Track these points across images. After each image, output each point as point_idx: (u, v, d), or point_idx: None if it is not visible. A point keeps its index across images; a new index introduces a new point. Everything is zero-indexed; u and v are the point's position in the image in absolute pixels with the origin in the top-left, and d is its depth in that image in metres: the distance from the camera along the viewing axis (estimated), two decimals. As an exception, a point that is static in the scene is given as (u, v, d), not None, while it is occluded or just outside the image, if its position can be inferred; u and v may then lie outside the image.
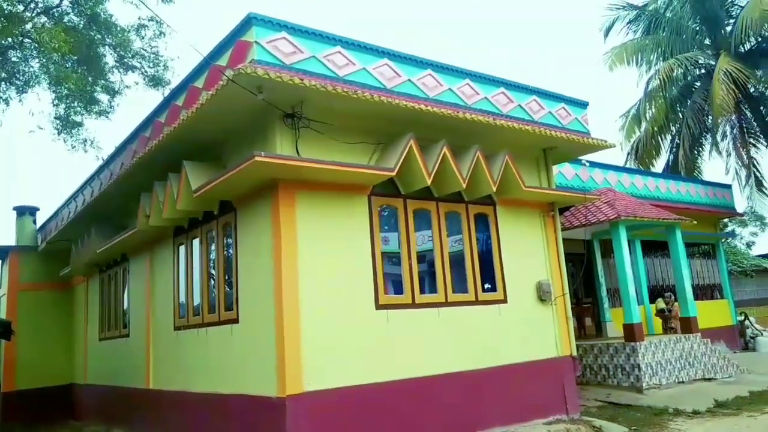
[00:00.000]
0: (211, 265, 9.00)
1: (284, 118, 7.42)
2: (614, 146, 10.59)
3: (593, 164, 15.00)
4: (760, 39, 20.71)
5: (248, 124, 7.89)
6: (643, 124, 21.89)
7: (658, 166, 22.65)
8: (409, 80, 8.32)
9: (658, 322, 15.30)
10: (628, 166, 21.59)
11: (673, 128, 22.26)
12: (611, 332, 14.33)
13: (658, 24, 21.82)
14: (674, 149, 22.16)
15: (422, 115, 8.12)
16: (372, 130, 8.26)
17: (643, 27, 22.41)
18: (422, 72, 8.51)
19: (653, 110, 21.59)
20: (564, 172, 14.12)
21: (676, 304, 14.14)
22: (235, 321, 8.07)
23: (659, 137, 21.92)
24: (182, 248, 9.91)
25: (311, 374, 7.08)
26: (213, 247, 8.98)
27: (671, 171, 21.98)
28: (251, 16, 6.97)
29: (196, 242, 9.49)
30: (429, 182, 8.13)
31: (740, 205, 24.64)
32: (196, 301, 9.32)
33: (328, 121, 7.68)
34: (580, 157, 14.11)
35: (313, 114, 7.55)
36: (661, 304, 14.74)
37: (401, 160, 7.83)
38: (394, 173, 7.76)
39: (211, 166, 8.39)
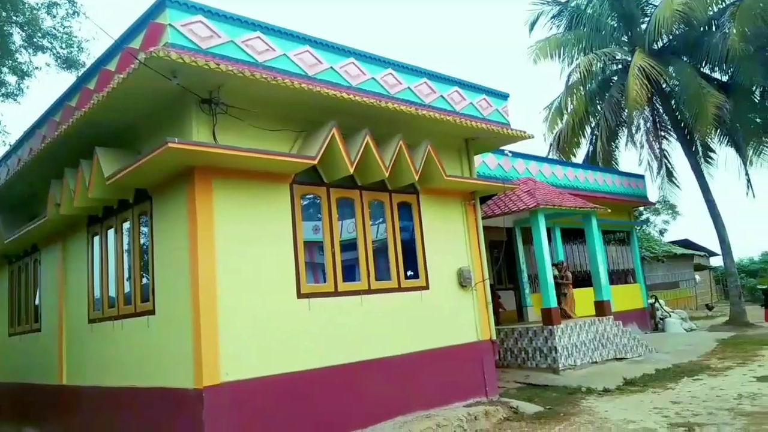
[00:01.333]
0: (127, 255, 8.70)
1: (201, 103, 7.23)
2: (533, 137, 10.96)
3: (516, 154, 15.47)
4: (671, 37, 21.86)
5: (164, 110, 7.63)
6: (565, 117, 22.73)
7: (579, 157, 23.62)
8: (332, 68, 8.30)
9: (578, 307, 15.97)
10: (551, 156, 22.39)
11: (592, 121, 23.22)
12: (532, 317, 14.89)
13: (579, 20, 22.62)
14: (593, 141, 23.15)
15: (345, 104, 8.12)
16: (294, 118, 8.19)
17: (565, 22, 23.16)
18: (345, 60, 8.50)
19: (573, 103, 22.43)
20: (487, 161, 14.50)
21: (569, 272, 14.47)
22: (152, 312, 7.85)
23: (579, 129, 22.82)
24: (97, 238, 9.52)
25: (230, 364, 6.98)
26: (128, 237, 8.68)
27: (591, 162, 22.96)
28: (164, -3, 6.74)
29: (111, 232, 9.14)
30: (351, 171, 8.15)
31: (653, 194, 26.14)
32: (112, 292, 9.00)
33: (247, 108, 7.54)
34: (503, 148, 14.57)
35: (231, 100, 7.39)
36: (555, 271, 14.63)
37: (323, 149, 7.81)
38: (315, 161, 7.73)
39: (125, 152, 8.09)
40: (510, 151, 14.96)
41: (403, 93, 9.25)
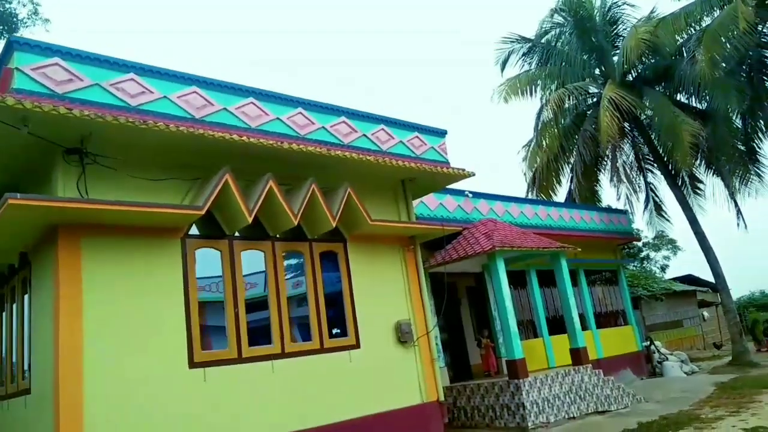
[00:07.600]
0: (16, 326, 7.84)
1: (66, 154, 6.50)
2: (473, 175, 10.12)
3: (478, 195, 14.59)
4: (643, 67, 21.26)
5: (29, 162, 6.90)
6: (540, 154, 21.93)
7: (561, 195, 22.66)
8: (225, 109, 7.59)
9: (559, 355, 14.82)
10: (529, 197, 21.49)
11: (570, 157, 22.38)
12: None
13: (550, 55, 22.11)
14: (572, 178, 22.26)
15: (241, 147, 7.37)
16: (186, 165, 7.44)
17: (537, 59, 22.63)
18: (242, 101, 7.80)
19: (547, 140, 21.68)
20: (445, 203, 13.62)
21: (485, 340, 14.42)
22: (28, 392, 6.94)
23: (556, 166, 21.96)
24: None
25: (99, 452, 6.01)
26: (17, 307, 7.84)
27: (573, 200, 21.99)
28: (12, 40, 6.12)
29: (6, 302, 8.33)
30: (249, 220, 7.32)
31: (645, 230, 25.00)
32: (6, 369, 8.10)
33: (123, 157, 6.80)
34: (463, 189, 13.75)
35: (105, 149, 6.67)
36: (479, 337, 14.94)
37: (213, 197, 7.01)
38: (202, 212, 6.90)
39: None
40: (470, 192, 14.11)
41: (316, 133, 8.51)
